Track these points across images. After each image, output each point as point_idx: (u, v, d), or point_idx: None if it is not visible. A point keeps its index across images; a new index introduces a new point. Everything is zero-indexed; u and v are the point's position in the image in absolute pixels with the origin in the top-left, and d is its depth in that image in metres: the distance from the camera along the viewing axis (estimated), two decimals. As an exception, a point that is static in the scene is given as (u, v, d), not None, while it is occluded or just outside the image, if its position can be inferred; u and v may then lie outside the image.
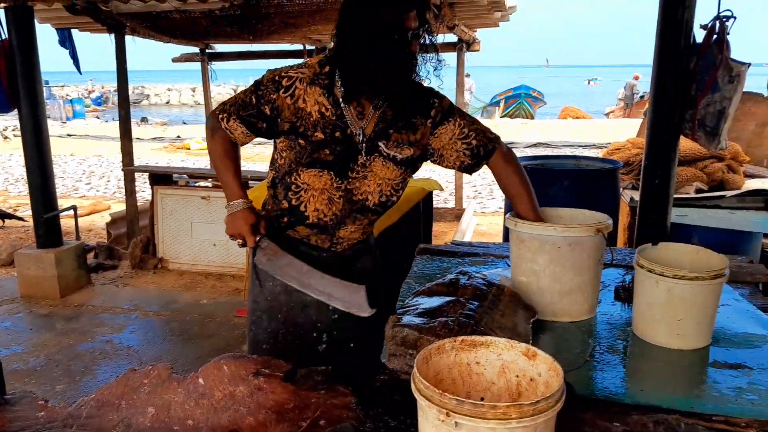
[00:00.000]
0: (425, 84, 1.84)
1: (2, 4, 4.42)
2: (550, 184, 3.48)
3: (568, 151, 13.41)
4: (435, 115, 1.82)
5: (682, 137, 3.21)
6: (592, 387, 1.35)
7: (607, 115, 23.64)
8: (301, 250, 1.88)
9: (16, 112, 4.66)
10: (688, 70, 3.07)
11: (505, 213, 3.76)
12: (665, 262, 1.60)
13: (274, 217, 1.90)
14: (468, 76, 22.46)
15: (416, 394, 0.95)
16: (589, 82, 53.60)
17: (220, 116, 1.83)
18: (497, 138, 1.90)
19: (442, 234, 5.95)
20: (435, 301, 1.65)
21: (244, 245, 1.84)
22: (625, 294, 1.87)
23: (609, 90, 30.75)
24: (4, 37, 4.45)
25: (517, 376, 1.07)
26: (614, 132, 15.31)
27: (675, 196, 3.29)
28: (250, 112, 1.78)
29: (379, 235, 3.38)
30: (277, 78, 1.76)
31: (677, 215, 3.50)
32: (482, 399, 1.10)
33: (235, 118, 1.80)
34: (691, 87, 3.09)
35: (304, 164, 1.78)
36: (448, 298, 1.66)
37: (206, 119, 1.97)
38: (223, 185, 1.87)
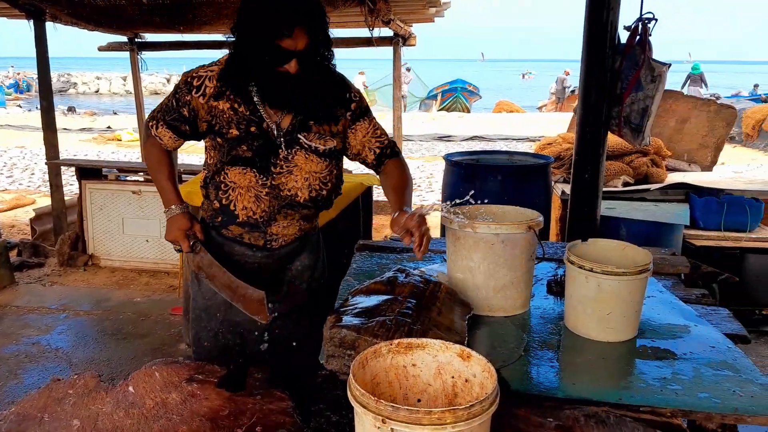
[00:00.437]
0: (336, 72, 1.86)
1: None
2: (484, 179, 3.55)
3: (502, 144, 13.72)
4: (355, 109, 1.85)
5: (609, 133, 3.34)
6: (526, 382, 1.39)
7: (539, 108, 24.34)
8: (236, 250, 1.87)
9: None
10: (613, 70, 3.19)
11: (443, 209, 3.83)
12: (594, 257, 1.66)
13: (209, 217, 1.90)
14: (409, 69, 22.61)
15: (352, 401, 0.95)
16: (523, 76, 54.86)
17: (150, 124, 1.87)
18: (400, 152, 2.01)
19: (382, 227, 5.97)
20: (373, 300, 1.65)
21: (180, 250, 1.87)
22: (557, 288, 1.93)
23: (543, 84, 31.60)
24: None
25: (453, 377, 1.08)
26: (546, 125, 15.77)
27: (603, 189, 3.42)
28: (174, 116, 1.81)
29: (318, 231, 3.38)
30: (188, 79, 1.79)
31: (606, 208, 3.64)
32: (419, 401, 1.11)
33: (162, 124, 1.83)
34: (616, 86, 3.21)
35: (227, 162, 1.79)
36: (385, 297, 1.67)
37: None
38: (159, 191, 1.90)
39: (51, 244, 5.45)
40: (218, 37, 7.44)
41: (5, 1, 4.93)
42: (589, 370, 1.45)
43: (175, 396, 1.35)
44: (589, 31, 3.21)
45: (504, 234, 1.70)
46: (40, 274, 5.02)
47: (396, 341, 1.09)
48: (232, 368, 1.49)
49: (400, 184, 1.86)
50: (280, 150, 1.77)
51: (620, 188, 4.27)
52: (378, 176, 1.96)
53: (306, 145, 1.78)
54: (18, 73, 34.00)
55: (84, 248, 5.23)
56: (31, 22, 5.41)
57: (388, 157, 1.92)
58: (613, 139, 3.77)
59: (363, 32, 6.87)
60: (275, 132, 1.76)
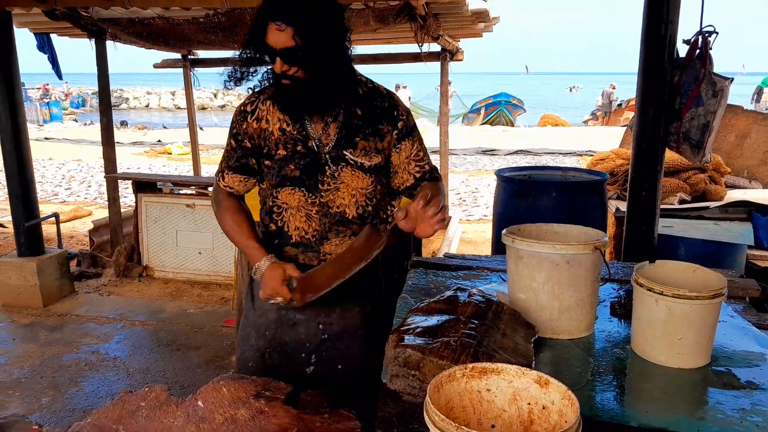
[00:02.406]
0: (382, 87, 1.84)
1: (-22, 9, 4.33)
2: (537, 196, 3.51)
3: (548, 158, 13.55)
4: (402, 128, 1.82)
5: (666, 149, 3.26)
6: (596, 409, 1.35)
7: (585, 123, 23.98)
8: None
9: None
10: (672, 84, 3.13)
11: (495, 225, 3.79)
12: (662, 279, 1.62)
13: (267, 241, 1.89)
14: (450, 83, 22.64)
15: (430, 425, 0.95)
16: (570, 90, 54.22)
17: (217, 178, 1.90)
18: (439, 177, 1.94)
19: (428, 242, 5.96)
20: (434, 320, 1.65)
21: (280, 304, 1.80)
22: (621, 310, 1.88)
23: (589, 98, 31.14)
24: (-19, 42, 4.36)
25: (529, 404, 1.06)
26: (593, 140, 15.55)
27: (660, 206, 3.33)
28: (237, 156, 1.83)
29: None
30: (242, 108, 1.82)
31: (663, 226, 3.54)
32: (493, 426, 1.10)
33: (228, 172, 1.86)
34: (675, 101, 3.14)
35: (276, 184, 1.81)
36: (447, 317, 1.66)
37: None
38: (243, 250, 1.87)
39: (108, 255, 5.63)
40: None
41: (70, 21, 5.15)
42: (661, 398, 1.41)
43: (244, 412, 1.37)
44: (647, 44, 3.16)
45: (570, 254, 1.67)
46: (97, 284, 5.19)
47: (470, 365, 1.09)
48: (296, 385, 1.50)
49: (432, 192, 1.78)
50: (327, 167, 1.77)
51: (677, 206, 4.16)
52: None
53: (352, 161, 1.78)
54: (79, 89, 35.44)
55: (139, 259, 5.39)
56: (93, 41, 5.64)
57: (425, 181, 1.87)
58: (668, 155, 3.68)
59: (411, 48, 6.93)
60: (320, 148, 1.76)
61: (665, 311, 1.52)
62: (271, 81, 1.73)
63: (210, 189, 4.59)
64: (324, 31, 1.61)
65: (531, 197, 3.47)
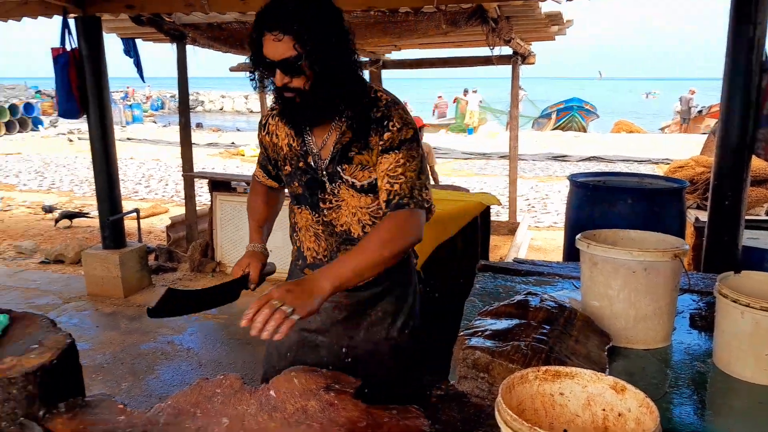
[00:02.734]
0: (386, 97, 1.67)
1: (72, 15, 4.62)
2: (612, 202, 3.40)
3: (623, 166, 13.10)
4: (388, 139, 1.61)
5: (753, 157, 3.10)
6: (673, 423, 1.30)
7: (662, 130, 23.05)
8: None
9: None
10: (759, 89, 2.97)
11: (567, 231, 3.70)
12: (748, 291, 1.54)
13: (293, 261, 1.94)
14: (521, 87, 22.29)
15: (502, 425, 0.94)
16: (647, 96, 52.29)
17: (255, 167, 1.98)
18: (422, 203, 1.61)
19: (495, 248, 5.88)
20: (504, 323, 1.63)
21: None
22: (702, 322, 1.80)
23: (667, 104, 29.92)
24: (74, 46, 4.64)
25: (604, 410, 1.04)
26: (671, 148, 14.91)
27: (745, 217, 3.16)
28: (263, 156, 1.91)
29: (436, 249, 3.39)
30: (261, 121, 1.85)
31: (748, 238, 3.36)
32: (565, 431, 1.08)
33: (258, 165, 1.95)
34: (763, 106, 2.98)
35: (291, 203, 1.84)
36: (518, 321, 1.64)
37: None
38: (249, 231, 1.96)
39: (183, 251, 5.88)
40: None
41: (154, 26, 5.43)
42: (747, 416, 1.34)
43: (314, 404, 1.40)
44: (733, 47, 3.02)
45: (648, 261, 1.61)
46: (173, 277, 5.42)
47: (543, 368, 1.07)
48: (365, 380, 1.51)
49: (365, 243, 1.54)
50: (327, 184, 1.71)
51: (764, 216, 3.94)
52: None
53: (345, 179, 1.69)
54: (151, 93, 37.21)
55: (213, 255, 5.59)
56: (174, 45, 5.92)
57: (392, 207, 1.60)
58: (755, 163, 3.49)
59: (482, 51, 6.89)
60: (317, 164, 1.71)
61: (752, 324, 1.44)
62: (274, 95, 1.64)
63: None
64: (324, 36, 1.50)
65: (606, 203, 3.37)
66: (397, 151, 1.60)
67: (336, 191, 1.71)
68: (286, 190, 1.94)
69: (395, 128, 1.61)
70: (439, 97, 26.81)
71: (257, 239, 1.88)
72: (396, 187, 1.59)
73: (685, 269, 1.70)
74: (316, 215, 1.75)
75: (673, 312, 1.71)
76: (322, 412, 1.37)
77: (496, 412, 0.96)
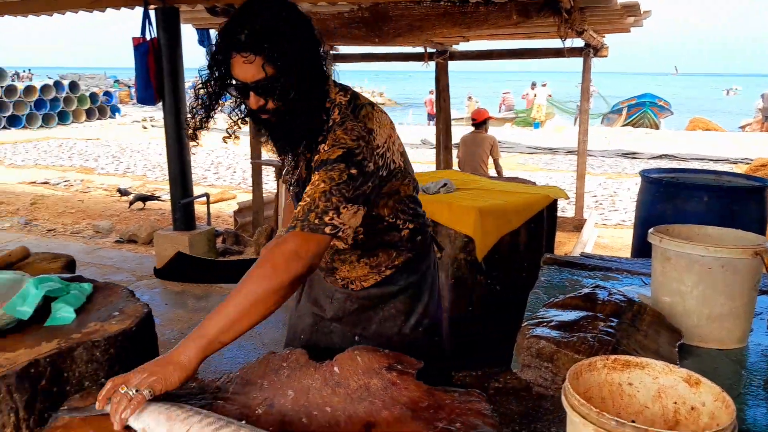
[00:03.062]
0: (335, 113, 1.55)
1: (152, 6, 4.82)
2: (686, 199, 3.26)
3: (697, 165, 12.52)
4: (317, 160, 1.49)
5: None
6: (746, 422, 1.25)
7: (742, 128, 21.86)
8: (327, 288, 1.85)
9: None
10: None
11: (637, 228, 3.59)
12: (836, 294, 1.45)
13: None
14: (591, 81, 21.64)
15: (568, 410, 0.93)
16: (727, 93, 49.72)
17: None
18: (316, 228, 1.41)
19: (560, 244, 5.76)
20: (571, 315, 1.61)
21: None
22: (782, 325, 1.71)
23: (749, 101, 28.35)
24: (153, 36, 4.84)
25: (675, 403, 1.01)
26: (751, 147, 14.13)
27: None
28: None
29: (499, 241, 3.36)
30: None
31: (835, 242, 3.16)
32: (633, 422, 1.05)
33: None
34: None
35: None
36: (584, 313, 1.61)
37: None
38: None
39: (249, 235, 6.05)
40: (407, 49, 7.76)
41: (227, 17, 5.59)
42: (829, 421, 1.27)
43: (377, 382, 1.42)
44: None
45: (725, 258, 1.55)
46: (239, 260, 5.60)
47: (613, 357, 1.05)
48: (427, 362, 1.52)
49: (232, 295, 1.44)
50: None
51: None
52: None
53: None
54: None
55: (277, 241, 5.74)
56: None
57: (286, 231, 1.45)
58: None
59: (552, 43, 6.74)
60: (290, 184, 1.73)
61: (838, 327, 1.37)
62: (245, 118, 1.56)
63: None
64: (298, 53, 1.41)
65: (679, 200, 3.24)
66: (317, 172, 1.47)
67: None
68: None
69: (323, 149, 1.50)
70: (506, 92, 26.40)
71: None
72: (298, 209, 1.46)
73: (766, 268, 1.62)
74: None
75: (750, 312, 1.64)
76: (384, 391, 1.39)
77: (563, 397, 0.96)
